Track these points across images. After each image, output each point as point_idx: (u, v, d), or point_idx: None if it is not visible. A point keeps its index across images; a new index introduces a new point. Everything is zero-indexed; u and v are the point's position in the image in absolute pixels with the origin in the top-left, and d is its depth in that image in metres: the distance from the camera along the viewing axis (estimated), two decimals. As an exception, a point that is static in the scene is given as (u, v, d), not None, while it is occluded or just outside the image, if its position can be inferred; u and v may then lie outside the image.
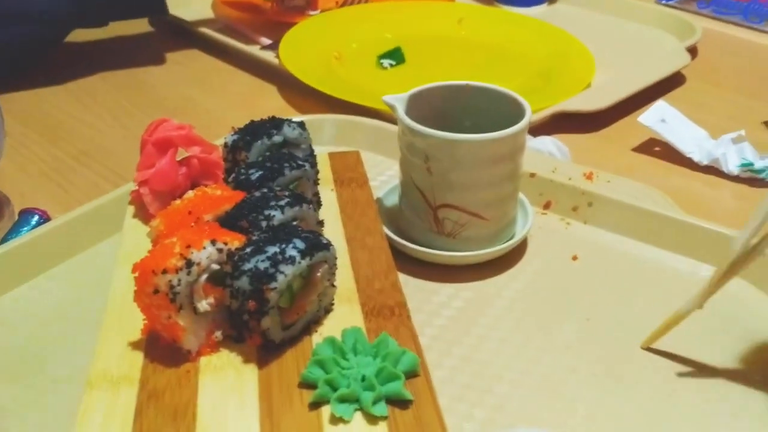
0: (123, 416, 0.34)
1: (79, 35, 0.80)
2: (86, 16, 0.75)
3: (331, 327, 0.39)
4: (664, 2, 0.98)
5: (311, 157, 0.48)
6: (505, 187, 0.49)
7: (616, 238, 0.52)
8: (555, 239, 0.52)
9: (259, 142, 0.46)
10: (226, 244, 0.37)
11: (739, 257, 0.38)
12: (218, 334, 0.38)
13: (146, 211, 0.48)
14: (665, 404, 0.40)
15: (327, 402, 0.34)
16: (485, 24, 0.87)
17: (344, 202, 0.50)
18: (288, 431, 0.33)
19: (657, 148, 0.65)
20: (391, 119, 0.59)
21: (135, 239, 0.46)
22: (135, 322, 0.39)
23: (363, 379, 0.34)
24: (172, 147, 0.48)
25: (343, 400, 0.34)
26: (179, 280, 0.35)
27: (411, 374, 0.35)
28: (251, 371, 0.36)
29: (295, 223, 0.40)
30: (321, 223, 0.44)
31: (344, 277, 0.42)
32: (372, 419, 0.33)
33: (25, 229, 0.52)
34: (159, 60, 0.83)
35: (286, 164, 0.44)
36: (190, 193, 0.42)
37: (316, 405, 0.34)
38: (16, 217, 0.54)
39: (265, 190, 0.41)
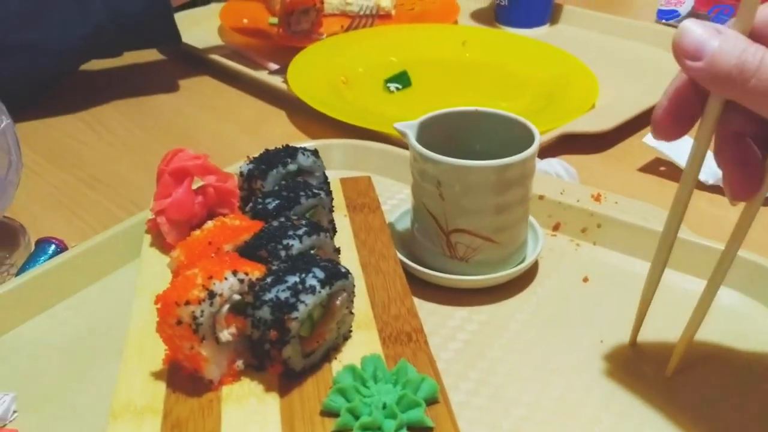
0: (148, 447, 0.35)
1: (92, 64, 0.81)
2: (101, 47, 0.76)
3: (350, 354, 0.40)
4: (664, 21, 0.99)
5: (325, 185, 0.49)
6: (516, 211, 0.49)
7: (626, 259, 0.53)
8: (565, 261, 0.53)
9: (275, 170, 0.47)
10: (247, 274, 0.38)
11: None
12: (239, 363, 0.39)
13: (163, 239, 0.49)
14: (684, 428, 0.40)
15: (350, 430, 0.34)
16: (488, 46, 0.89)
17: (357, 228, 0.51)
18: (312, 459, 0.34)
19: (662, 168, 0.66)
20: (400, 143, 0.60)
21: (153, 268, 0.47)
22: (156, 352, 0.39)
23: (384, 406, 0.35)
24: (188, 176, 0.49)
25: (365, 428, 0.34)
26: (202, 311, 0.36)
27: (431, 401, 0.36)
28: (273, 400, 0.37)
29: (313, 251, 0.41)
30: (338, 251, 0.45)
31: (361, 304, 0.43)
32: (394, 447, 0.34)
33: (43, 258, 0.53)
34: (169, 86, 0.84)
35: (302, 193, 0.45)
36: (210, 224, 0.43)
37: (339, 433, 0.35)
38: (33, 246, 0.55)
39: (283, 219, 0.42)
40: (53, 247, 0.54)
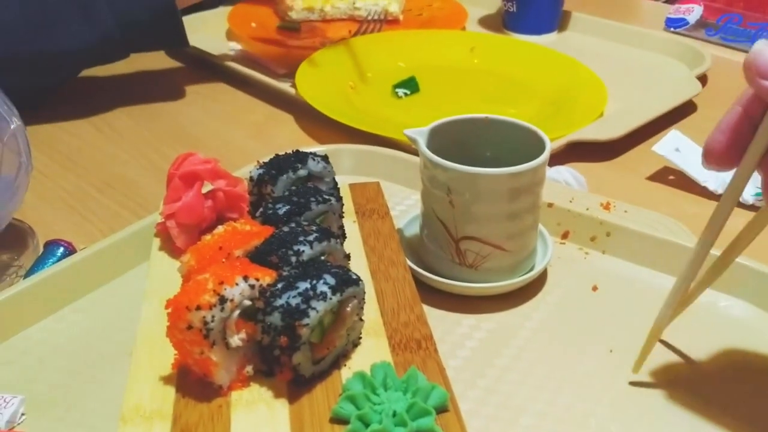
0: (158, 452, 0.35)
1: (102, 69, 0.82)
2: (108, 53, 0.76)
3: (360, 361, 0.40)
4: (672, 29, 0.99)
5: (335, 191, 0.49)
6: (526, 219, 0.49)
7: (635, 268, 0.53)
8: (574, 269, 0.53)
9: (285, 176, 0.47)
10: (257, 280, 0.38)
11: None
12: (249, 368, 0.39)
13: (172, 243, 0.49)
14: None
15: (360, 437, 0.34)
16: (497, 52, 0.89)
17: (366, 234, 0.51)
18: (321, 467, 0.34)
19: (671, 177, 0.66)
20: (408, 149, 0.60)
21: (162, 272, 0.47)
22: (165, 357, 0.39)
23: (394, 414, 0.35)
24: (198, 180, 0.49)
25: (375, 436, 0.34)
26: (213, 317, 0.36)
27: (441, 409, 0.36)
28: (282, 406, 0.37)
29: (323, 257, 0.41)
30: (348, 257, 0.45)
31: (370, 310, 0.43)
32: (404, 455, 0.34)
33: (51, 260, 0.53)
34: (179, 91, 0.84)
35: (313, 198, 0.45)
36: (220, 229, 0.43)
37: (348, 440, 0.34)
38: (41, 249, 0.55)
39: (293, 224, 0.42)
40: (62, 249, 0.54)
